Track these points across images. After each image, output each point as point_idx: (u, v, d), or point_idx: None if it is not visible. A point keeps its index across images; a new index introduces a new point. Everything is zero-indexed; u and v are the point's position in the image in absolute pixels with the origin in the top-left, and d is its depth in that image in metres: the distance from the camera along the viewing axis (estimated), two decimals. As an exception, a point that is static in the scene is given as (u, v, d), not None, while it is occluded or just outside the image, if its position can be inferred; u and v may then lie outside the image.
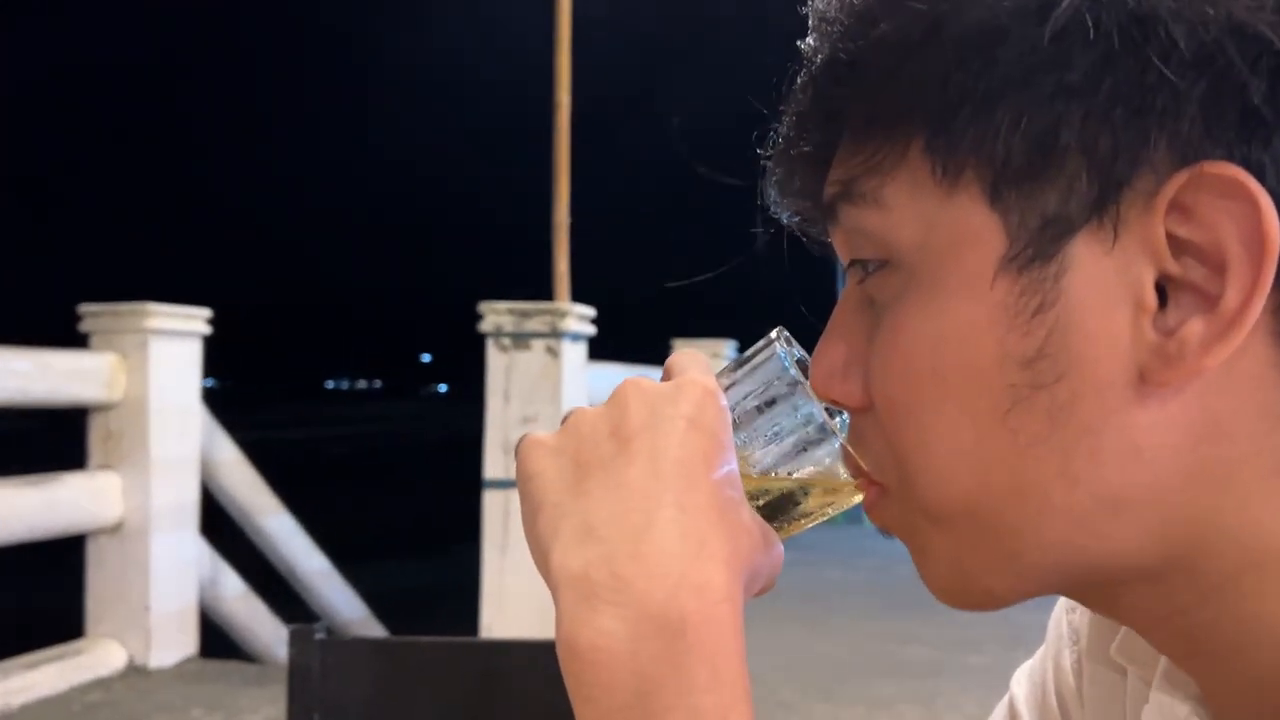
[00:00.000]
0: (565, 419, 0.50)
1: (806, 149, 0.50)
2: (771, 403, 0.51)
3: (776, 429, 0.51)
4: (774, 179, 0.53)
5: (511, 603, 4.68)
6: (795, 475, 0.51)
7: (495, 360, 4.71)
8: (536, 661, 1.57)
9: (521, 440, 0.51)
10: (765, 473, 0.51)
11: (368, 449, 31.84)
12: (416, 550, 12.67)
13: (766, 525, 0.48)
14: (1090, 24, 0.41)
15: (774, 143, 0.52)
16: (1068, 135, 0.42)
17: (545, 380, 4.69)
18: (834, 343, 0.50)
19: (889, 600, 6.04)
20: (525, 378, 4.69)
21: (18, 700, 3.93)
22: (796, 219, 0.54)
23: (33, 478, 4.11)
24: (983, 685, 4.35)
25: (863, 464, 0.50)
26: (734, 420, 0.50)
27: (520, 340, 4.70)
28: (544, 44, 5.29)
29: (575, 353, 4.82)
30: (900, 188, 0.46)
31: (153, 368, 4.34)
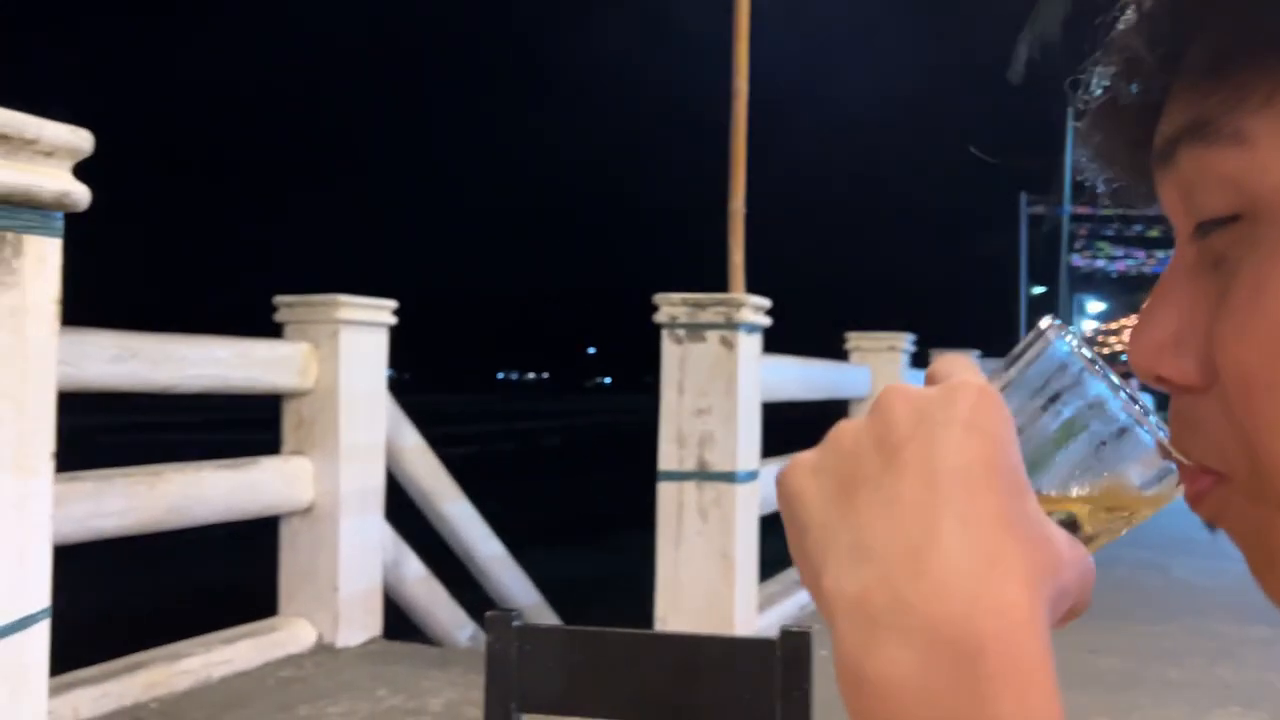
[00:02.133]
0: (826, 436, 0.45)
1: (1133, 95, 0.45)
2: (1056, 398, 0.46)
3: (1068, 429, 0.46)
4: (1088, 137, 0.49)
5: (686, 595, 4.68)
6: (1098, 480, 0.46)
7: (669, 352, 4.70)
8: (730, 657, 1.56)
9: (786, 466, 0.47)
10: (1063, 481, 0.46)
11: (538, 439, 32.64)
12: (586, 539, 12.91)
13: (1071, 535, 0.43)
14: None
15: (1081, 99, 0.48)
16: None
17: (719, 372, 4.66)
18: (1163, 312, 0.45)
19: (1078, 606, 5.81)
20: (699, 369, 4.68)
21: (218, 673, 4.15)
22: (1108, 180, 0.49)
23: (231, 461, 4.32)
24: (1185, 700, 4.13)
25: (1191, 451, 0.45)
26: (1017, 427, 0.44)
27: (695, 331, 4.69)
28: (719, 31, 5.27)
29: (750, 344, 4.78)
30: (1269, 122, 0.40)
31: (343, 356, 4.51)
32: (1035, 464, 0.45)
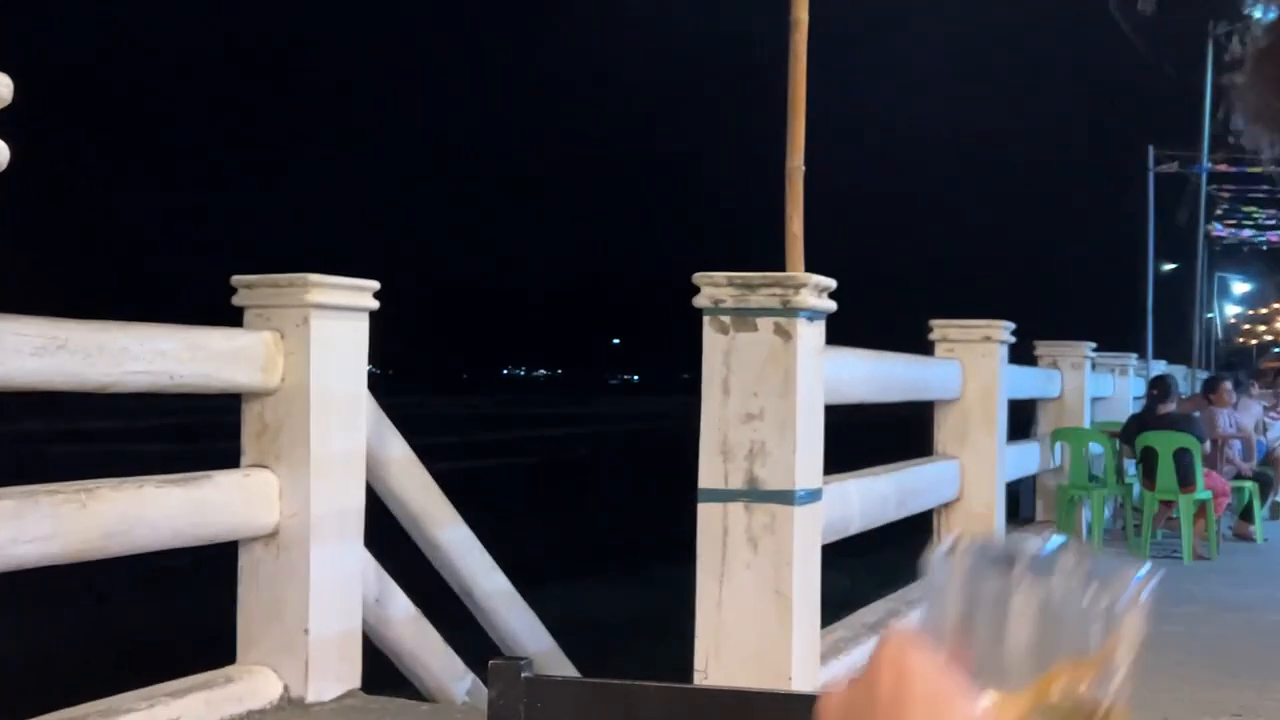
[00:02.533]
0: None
1: None
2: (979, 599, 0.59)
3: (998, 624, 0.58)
4: (1246, 87, 0.48)
5: (731, 640, 4.65)
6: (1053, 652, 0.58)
7: (712, 343, 4.67)
8: (785, 715, 1.56)
9: None
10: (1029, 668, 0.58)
11: (551, 450, 32.78)
12: (611, 573, 12.92)
13: None
14: None
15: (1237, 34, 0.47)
16: None
17: (774, 368, 4.63)
18: None
19: (1216, 660, 5.78)
20: (749, 364, 4.64)
21: (164, 731, 4.16)
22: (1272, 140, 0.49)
23: (180, 476, 4.32)
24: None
25: None
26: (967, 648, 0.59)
27: (744, 318, 4.65)
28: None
29: (812, 334, 4.74)
30: None
31: (315, 348, 4.52)
32: (997, 669, 0.58)
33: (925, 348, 7.77)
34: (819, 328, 4.85)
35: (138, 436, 22.65)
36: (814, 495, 4.83)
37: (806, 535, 4.74)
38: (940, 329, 7.82)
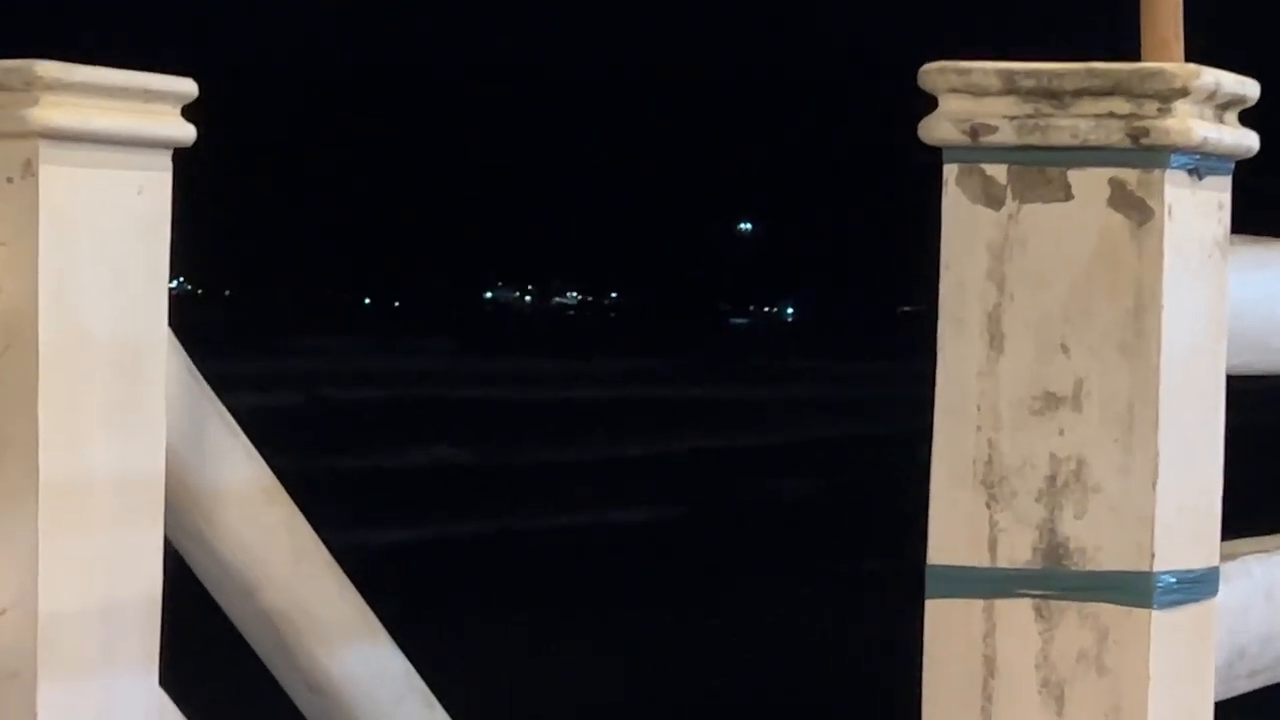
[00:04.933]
0: None
1: None
2: None
3: None
4: None
5: None
6: None
7: (963, 227, 2.55)
8: None
9: None
10: None
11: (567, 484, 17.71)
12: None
13: None
14: None
15: None
16: None
17: (1107, 286, 2.55)
18: None
19: None
20: (1047, 276, 2.56)
21: None
22: None
23: None
24: None
25: None
26: None
27: (1039, 170, 2.58)
28: None
29: (1198, 210, 2.59)
30: None
31: (51, 234, 2.54)
32: None
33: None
34: (1216, 197, 2.72)
35: None
36: (1201, 585, 2.63)
37: (1183, 674, 2.60)
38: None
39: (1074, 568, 2.62)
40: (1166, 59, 2.75)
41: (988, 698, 2.54)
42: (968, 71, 2.38)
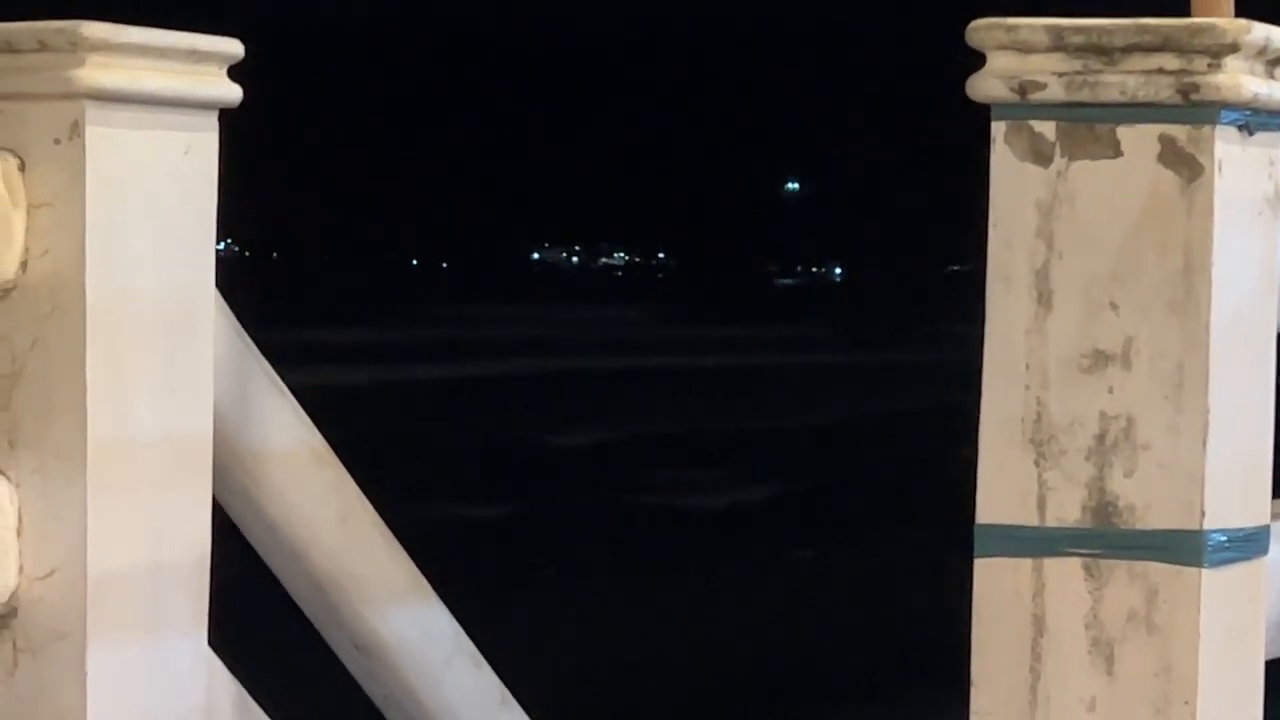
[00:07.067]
0: None
1: None
2: None
3: None
4: None
5: None
6: None
7: (1012, 184, 2.53)
8: None
9: None
10: None
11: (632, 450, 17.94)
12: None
13: None
14: None
15: None
16: None
17: (1158, 242, 2.51)
18: None
19: None
20: (1097, 233, 2.56)
21: None
22: None
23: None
24: None
25: None
26: None
27: (1088, 127, 2.54)
28: None
29: (1248, 169, 2.63)
30: None
31: (97, 194, 2.55)
32: None
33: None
34: (1266, 154, 2.70)
35: None
36: (1251, 543, 2.58)
37: (1234, 632, 2.61)
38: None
39: (1123, 526, 2.54)
40: (1216, 14, 2.71)
41: (1037, 657, 2.49)
42: (1015, 28, 2.38)
